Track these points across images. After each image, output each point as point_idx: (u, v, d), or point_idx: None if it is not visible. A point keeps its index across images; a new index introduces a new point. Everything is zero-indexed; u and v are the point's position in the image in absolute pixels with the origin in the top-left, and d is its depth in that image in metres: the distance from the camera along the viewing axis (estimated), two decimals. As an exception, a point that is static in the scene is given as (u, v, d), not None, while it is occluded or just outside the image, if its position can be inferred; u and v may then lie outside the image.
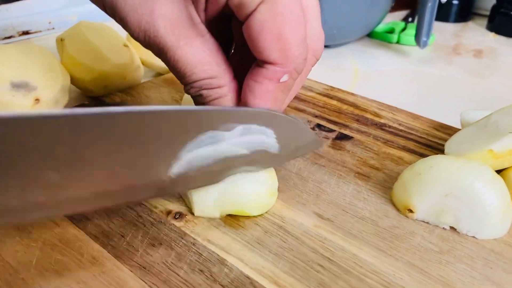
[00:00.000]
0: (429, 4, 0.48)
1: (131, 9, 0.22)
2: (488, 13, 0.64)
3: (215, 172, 0.23)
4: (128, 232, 0.24)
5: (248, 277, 0.21)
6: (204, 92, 0.23)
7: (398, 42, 0.56)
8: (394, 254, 0.23)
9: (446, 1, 0.64)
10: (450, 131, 0.33)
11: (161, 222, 0.24)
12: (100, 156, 0.20)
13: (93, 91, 0.38)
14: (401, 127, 0.34)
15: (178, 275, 0.21)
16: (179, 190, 0.25)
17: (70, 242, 0.23)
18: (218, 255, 0.22)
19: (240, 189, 0.24)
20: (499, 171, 0.26)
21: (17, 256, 0.22)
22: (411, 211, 0.25)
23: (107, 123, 0.19)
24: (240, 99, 0.24)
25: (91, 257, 0.22)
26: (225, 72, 0.23)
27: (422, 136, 0.33)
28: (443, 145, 0.30)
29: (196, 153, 0.23)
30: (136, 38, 0.22)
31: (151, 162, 0.21)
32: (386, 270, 0.22)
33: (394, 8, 0.68)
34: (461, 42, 0.58)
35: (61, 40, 0.39)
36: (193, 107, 0.24)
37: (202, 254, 0.22)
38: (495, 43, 0.58)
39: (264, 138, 0.24)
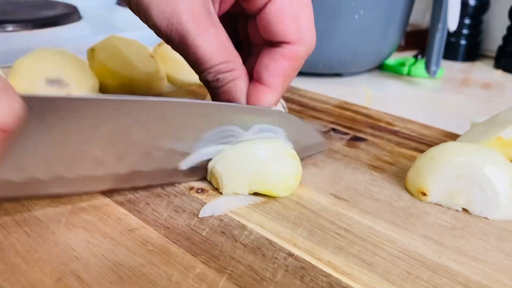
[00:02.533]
0: (438, 35, 0.51)
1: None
2: (494, 54, 0.67)
3: None
4: (153, 201, 0.25)
5: (267, 239, 0.22)
6: (221, 76, 0.26)
7: (408, 74, 0.59)
8: (409, 227, 0.24)
9: (454, 41, 0.67)
10: (461, 138, 0.35)
11: (184, 194, 0.26)
12: (135, 139, 0.22)
13: (120, 96, 0.40)
14: (413, 134, 0.35)
15: (201, 235, 0.22)
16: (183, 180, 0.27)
17: (98, 207, 0.24)
18: (238, 221, 0.23)
19: (270, 173, 0.25)
20: (509, 162, 0.27)
21: (48, 215, 0.23)
22: (424, 194, 0.26)
23: (144, 108, 0.22)
24: (251, 81, 0.27)
25: (117, 218, 0.23)
26: (236, 57, 0.26)
27: (434, 141, 0.34)
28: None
29: (212, 148, 0.25)
30: (159, 27, 0.25)
31: (167, 152, 0.24)
32: (401, 239, 0.23)
33: (404, 48, 0.71)
34: (470, 77, 0.60)
35: (92, 50, 0.41)
36: (216, 102, 0.27)
37: (223, 220, 0.23)
38: (502, 79, 0.60)
39: (275, 136, 0.26)
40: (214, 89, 0.26)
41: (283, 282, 0.19)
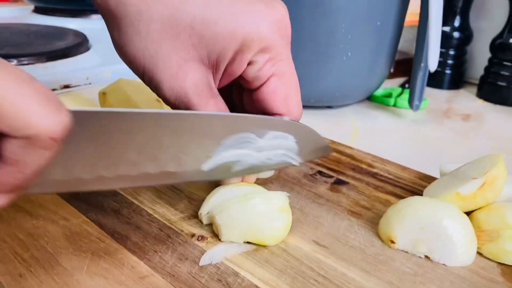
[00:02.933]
0: (420, 73, 0.55)
1: (168, 76, 0.29)
2: (477, 81, 0.71)
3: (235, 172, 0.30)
4: (160, 249, 0.29)
5: (256, 286, 0.26)
6: None
7: (395, 105, 0.63)
8: (377, 274, 0.28)
9: (440, 70, 0.71)
10: (433, 180, 0.39)
11: (186, 242, 0.30)
12: (165, 145, 0.27)
13: (128, 137, 0.44)
14: (390, 176, 0.40)
15: (201, 282, 0.26)
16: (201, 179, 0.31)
17: (113, 254, 0.28)
18: (232, 269, 0.28)
19: (263, 226, 0.30)
20: (467, 214, 0.32)
21: (72, 263, 0.27)
22: (393, 242, 0.30)
23: (173, 120, 0.27)
24: None
25: (131, 266, 0.27)
26: None
27: (408, 184, 0.39)
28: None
29: (229, 153, 0.29)
30: (168, 98, 0.30)
31: (192, 155, 0.28)
32: (369, 286, 0.27)
33: (393, 75, 0.75)
34: (452, 107, 0.65)
35: (104, 93, 0.46)
36: (234, 114, 0.31)
37: (220, 268, 0.28)
38: (482, 109, 0.65)
39: (286, 142, 0.31)
40: None
41: (268, 327, 0.24)
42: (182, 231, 0.31)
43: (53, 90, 0.60)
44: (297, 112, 0.31)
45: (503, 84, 0.66)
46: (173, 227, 0.31)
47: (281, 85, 0.30)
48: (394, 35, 0.57)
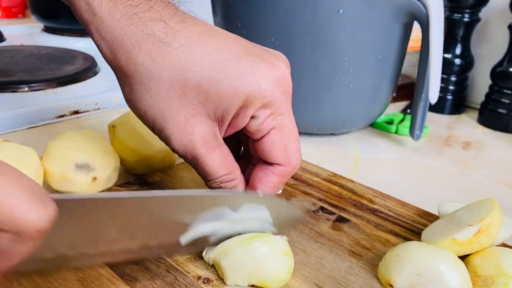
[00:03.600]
0: (421, 104, 0.57)
1: (177, 130, 0.31)
2: (479, 106, 0.72)
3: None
4: (168, 292, 0.30)
5: (260, 332, 0.28)
6: (223, 185, 0.33)
7: (396, 132, 0.64)
8: (375, 320, 0.29)
9: (442, 96, 0.72)
10: (432, 218, 0.40)
11: (193, 285, 0.31)
12: (143, 223, 0.29)
13: (137, 170, 0.46)
14: (390, 213, 0.41)
15: (207, 327, 0.28)
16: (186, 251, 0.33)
17: (124, 298, 0.30)
18: (237, 313, 0.29)
19: (267, 268, 0.31)
20: (463, 257, 0.33)
21: (84, 306, 0.29)
22: (391, 286, 0.31)
23: (148, 203, 0.29)
24: (247, 186, 0.34)
25: (140, 310, 0.29)
26: (236, 169, 0.33)
27: (407, 221, 0.40)
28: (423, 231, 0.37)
29: (205, 226, 0.31)
30: (177, 150, 0.32)
31: (170, 231, 0.30)
32: (368, 332, 0.28)
33: (395, 99, 0.77)
34: (453, 134, 0.66)
35: (113, 126, 0.47)
36: (212, 191, 0.33)
37: (225, 312, 0.29)
38: (483, 136, 0.66)
39: (261, 213, 0.32)
40: (214, 187, 0.33)
41: None
42: (188, 273, 0.32)
43: (62, 116, 0.62)
44: (295, 162, 0.32)
45: (503, 111, 0.67)
46: (180, 268, 0.33)
47: (280, 137, 0.31)
48: (396, 65, 0.58)
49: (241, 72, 0.29)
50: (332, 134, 0.62)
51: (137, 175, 0.47)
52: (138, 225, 0.29)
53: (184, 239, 0.31)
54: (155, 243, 0.31)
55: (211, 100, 0.30)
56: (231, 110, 0.30)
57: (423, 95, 0.56)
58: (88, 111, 0.64)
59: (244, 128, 0.32)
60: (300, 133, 0.60)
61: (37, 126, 0.60)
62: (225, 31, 0.32)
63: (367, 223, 0.39)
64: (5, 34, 0.96)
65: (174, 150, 0.31)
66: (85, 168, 0.41)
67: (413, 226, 0.39)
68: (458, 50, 0.70)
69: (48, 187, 0.42)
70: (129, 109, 0.49)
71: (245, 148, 0.36)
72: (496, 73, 0.67)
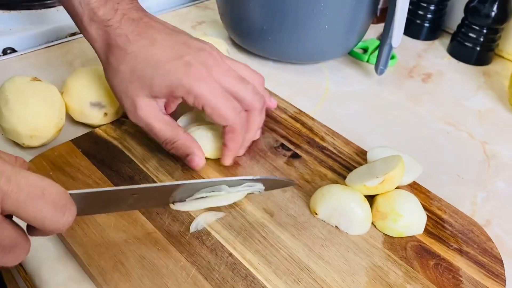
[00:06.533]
0: (387, 43, 0.65)
1: (129, 104, 0.47)
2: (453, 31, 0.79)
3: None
4: (160, 211, 0.44)
5: (220, 243, 0.42)
6: (169, 146, 0.48)
7: (368, 61, 0.73)
8: (300, 238, 0.43)
9: (419, 23, 0.79)
10: (366, 157, 0.52)
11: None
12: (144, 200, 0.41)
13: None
14: (334, 151, 0.53)
15: (185, 238, 0.42)
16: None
17: (130, 215, 0.43)
18: (207, 229, 0.43)
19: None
20: (372, 196, 0.45)
21: (103, 221, 0.43)
22: (316, 213, 0.45)
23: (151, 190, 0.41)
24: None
25: (141, 224, 0.43)
26: (179, 131, 0.47)
27: (346, 159, 0.52)
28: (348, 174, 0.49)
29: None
30: (130, 119, 0.48)
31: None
32: (292, 246, 0.42)
33: (378, 20, 0.83)
34: (419, 64, 0.74)
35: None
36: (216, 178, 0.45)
37: (198, 228, 0.43)
38: (446, 67, 0.74)
39: (254, 188, 0.44)
40: (170, 151, 0.48)
41: (223, 272, 0.39)
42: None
43: (74, 34, 0.71)
44: (232, 120, 0.46)
45: (469, 45, 0.74)
46: (169, 193, 0.46)
47: (211, 109, 0.45)
48: None
49: (167, 71, 0.45)
50: (305, 63, 0.71)
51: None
52: (145, 202, 0.42)
53: (177, 206, 0.44)
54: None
55: (147, 86, 0.45)
56: (161, 95, 0.46)
57: (388, 37, 0.64)
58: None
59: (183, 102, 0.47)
60: (282, 62, 0.69)
61: (53, 46, 0.69)
62: (167, 37, 0.46)
63: (314, 159, 0.52)
64: None
65: (130, 119, 0.47)
66: (98, 105, 0.52)
67: (349, 163, 0.51)
68: (438, -18, 0.75)
69: (70, 118, 0.54)
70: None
71: None
72: (469, 8, 0.73)
